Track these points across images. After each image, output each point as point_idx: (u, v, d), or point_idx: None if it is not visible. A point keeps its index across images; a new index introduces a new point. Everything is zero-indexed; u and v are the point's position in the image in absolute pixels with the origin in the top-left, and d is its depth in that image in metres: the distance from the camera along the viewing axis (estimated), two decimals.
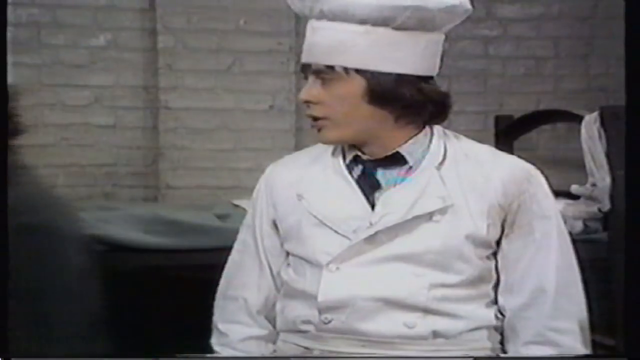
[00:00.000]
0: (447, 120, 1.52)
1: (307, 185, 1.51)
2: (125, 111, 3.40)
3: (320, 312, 1.45)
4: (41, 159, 3.31)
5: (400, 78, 1.43)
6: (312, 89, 1.45)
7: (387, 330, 1.43)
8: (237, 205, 2.82)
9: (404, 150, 1.47)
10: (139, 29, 3.38)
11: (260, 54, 3.39)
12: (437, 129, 1.51)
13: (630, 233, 1.43)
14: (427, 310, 1.43)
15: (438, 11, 1.42)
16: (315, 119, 1.46)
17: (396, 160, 1.48)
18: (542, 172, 1.53)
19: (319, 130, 1.47)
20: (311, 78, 1.45)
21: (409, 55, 1.43)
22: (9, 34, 3.30)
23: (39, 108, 3.30)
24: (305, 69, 1.47)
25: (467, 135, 1.56)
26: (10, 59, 3.43)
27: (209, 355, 1.58)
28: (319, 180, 1.51)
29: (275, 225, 1.56)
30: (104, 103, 3.38)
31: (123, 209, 2.71)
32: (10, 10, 3.30)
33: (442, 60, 1.49)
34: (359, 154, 1.49)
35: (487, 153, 1.52)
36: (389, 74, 1.42)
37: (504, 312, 1.49)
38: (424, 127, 1.49)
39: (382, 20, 1.41)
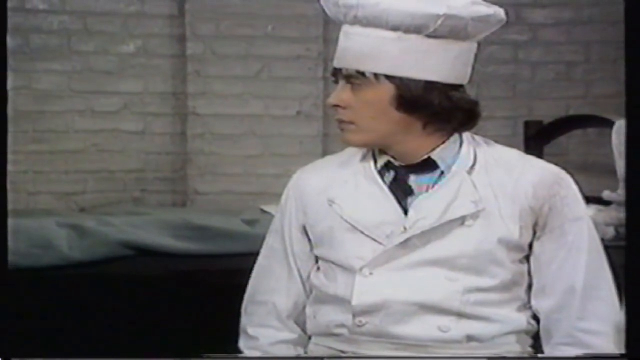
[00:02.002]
0: (476, 125, 1.52)
1: (337, 190, 1.52)
2: (154, 117, 3.43)
3: (354, 315, 1.46)
4: (71, 165, 3.35)
5: (430, 85, 1.43)
6: (341, 93, 1.46)
7: (421, 334, 1.44)
8: (265, 211, 2.83)
9: (435, 155, 1.48)
10: (168, 35, 3.41)
11: (288, 59, 3.40)
12: (466, 135, 1.52)
13: None
14: (461, 314, 1.44)
15: (471, 20, 1.43)
16: (341, 122, 1.48)
17: (427, 165, 1.49)
18: (573, 178, 1.52)
19: (342, 131, 1.48)
20: (341, 82, 1.47)
21: (439, 63, 1.44)
22: (39, 41, 3.38)
23: (69, 114, 3.34)
24: (337, 74, 1.48)
25: (496, 141, 1.56)
26: (41, 65, 3.51)
27: (237, 355, 1.59)
28: (350, 185, 1.51)
29: (305, 230, 1.57)
30: (133, 109, 3.41)
31: (152, 214, 2.74)
32: (41, 17, 3.36)
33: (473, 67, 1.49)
34: (391, 159, 1.50)
35: (517, 157, 1.53)
36: (419, 81, 1.43)
37: (538, 315, 1.50)
38: (452, 134, 1.49)
39: (414, 28, 1.42)
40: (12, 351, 1.32)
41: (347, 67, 1.45)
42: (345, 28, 1.47)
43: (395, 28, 1.42)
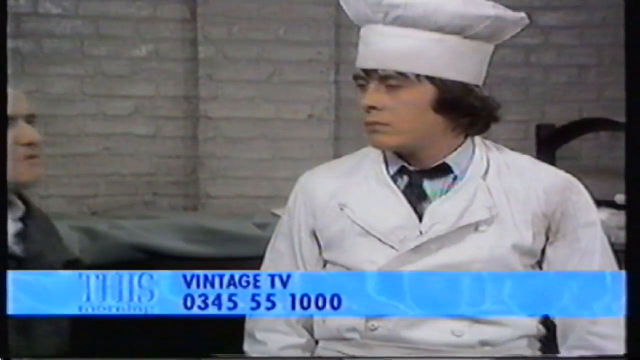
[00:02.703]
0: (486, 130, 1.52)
1: (349, 194, 1.51)
2: (165, 121, 3.43)
3: (367, 319, 1.46)
4: (83, 168, 3.36)
5: (466, 87, 1.44)
6: (375, 94, 1.44)
7: (435, 339, 1.44)
8: (276, 215, 2.82)
9: (450, 160, 1.48)
10: (180, 39, 3.41)
11: (299, 63, 3.40)
12: (477, 139, 1.52)
13: None
14: (474, 319, 1.44)
15: (512, 22, 1.45)
16: (375, 124, 1.45)
17: (442, 171, 1.49)
18: (585, 181, 1.53)
19: (375, 134, 1.46)
20: (373, 84, 1.45)
21: (473, 65, 1.45)
22: (52, 46, 3.40)
23: (81, 118, 3.35)
24: (366, 75, 1.45)
25: (508, 144, 1.56)
26: (53, 70, 3.52)
27: (244, 355, 1.59)
28: (362, 189, 1.51)
29: (314, 234, 1.56)
30: (145, 113, 3.42)
31: (163, 218, 2.74)
32: (54, 22, 3.38)
33: None
34: (405, 164, 1.49)
35: (528, 163, 1.53)
36: (458, 83, 1.43)
37: (553, 320, 1.50)
38: (466, 138, 1.49)
39: (458, 29, 1.42)
40: (12, 351, 1.33)
41: (385, 68, 1.43)
42: (379, 29, 1.44)
43: (439, 29, 1.42)
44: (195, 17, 3.38)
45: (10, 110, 1.46)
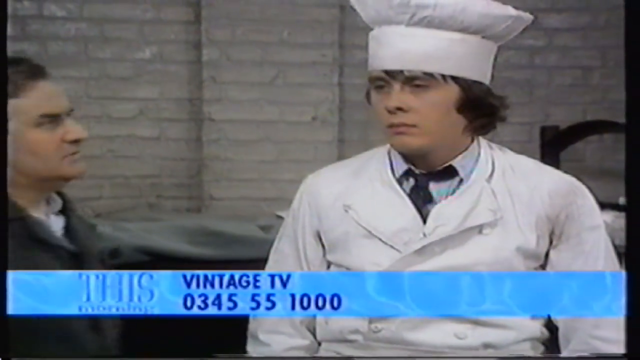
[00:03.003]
0: (492, 131, 1.53)
1: (353, 196, 1.51)
2: (169, 123, 3.44)
3: (370, 321, 1.46)
4: (87, 170, 3.36)
5: (485, 87, 1.46)
6: (402, 95, 1.43)
7: (438, 341, 1.44)
8: (280, 217, 2.82)
9: (456, 163, 1.48)
10: (184, 41, 3.42)
11: (303, 65, 3.40)
12: (483, 141, 1.52)
13: None
14: (478, 322, 1.44)
15: (525, 23, 1.47)
16: (401, 125, 1.44)
17: (448, 173, 1.49)
18: (589, 184, 1.52)
19: (400, 135, 1.44)
20: (397, 85, 1.44)
21: (487, 65, 1.47)
22: (57, 48, 3.41)
23: (86, 120, 3.34)
24: (389, 77, 1.44)
25: (512, 146, 1.56)
26: (58, 72, 3.51)
27: (246, 355, 1.59)
28: (367, 192, 1.51)
29: (318, 236, 1.56)
30: (149, 115, 3.43)
31: (167, 220, 2.74)
32: (59, 24, 3.39)
33: None
34: (412, 167, 1.49)
35: (533, 165, 1.53)
36: (478, 82, 1.45)
37: (556, 323, 1.50)
38: (473, 140, 1.49)
39: (481, 29, 1.43)
40: (12, 351, 1.33)
41: (411, 69, 1.42)
42: (401, 30, 1.43)
43: (463, 29, 1.42)
44: (200, 19, 3.38)
45: (55, 107, 1.48)
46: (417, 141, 1.44)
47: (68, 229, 1.52)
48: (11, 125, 1.43)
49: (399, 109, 1.43)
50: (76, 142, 1.51)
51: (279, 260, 1.60)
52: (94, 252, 1.55)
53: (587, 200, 1.50)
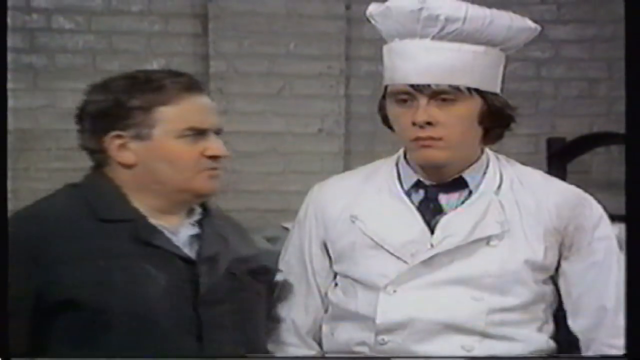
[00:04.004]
0: (499, 142, 1.53)
1: (361, 207, 1.51)
2: None
3: (377, 333, 1.45)
4: None
5: (503, 98, 1.47)
6: (430, 109, 1.43)
7: (444, 353, 1.44)
8: (286, 228, 2.81)
9: (466, 175, 1.49)
10: (192, 54, 3.43)
11: (310, 77, 3.41)
12: (491, 153, 1.52)
13: None
14: (485, 334, 1.44)
15: (535, 34, 1.48)
16: (428, 139, 1.44)
17: (457, 184, 1.49)
18: (596, 195, 1.52)
19: (426, 149, 1.44)
20: (424, 99, 1.43)
21: (501, 76, 1.48)
22: (65, 61, 3.41)
23: None
24: (415, 91, 1.43)
25: (519, 158, 1.56)
26: (66, 84, 3.54)
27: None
28: (374, 202, 1.51)
29: (324, 246, 1.56)
30: None
31: None
32: (67, 37, 3.41)
33: None
34: (421, 179, 1.49)
35: (540, 178, 1.54)
36: (497, 94, 1.46)
37: (576, 335, 1.50)
38: (482, 152, 1.50)
39: (502, 41, 1.45)
40: (12, 351, 1.33)
41: (439, 83, 1.42)
42: (426, 43, 1.43)
43: (487, 42, 1.44)
44: (207, 32, 3.40)
45: (202, 122, 1.49)
46: (442, 154, 1.45)
47: (197, 237, 1.50)
48: (155, 132, 1.45)
49: (428, 123, 1.43)
50: (216, 158, 1.51)
51: (285, 271, 1.60)
52: (226, 260, 1.49)
53: (595, 210, 1.50)
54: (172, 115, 1.46)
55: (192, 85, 1.50)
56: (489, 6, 1.46)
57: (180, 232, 1.49)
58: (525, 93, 3.55)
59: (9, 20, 1.43)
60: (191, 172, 1.48)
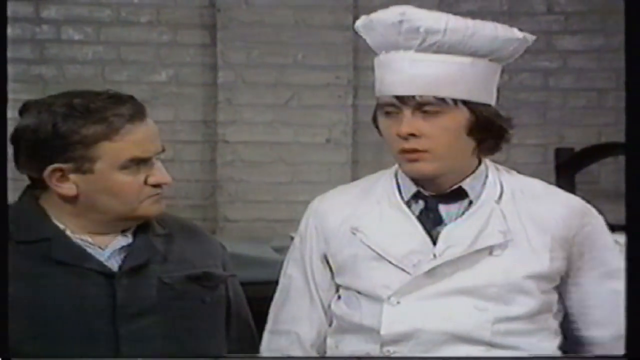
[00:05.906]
0: (506, 153, 1.52)
1: (361, 219, 1.51)
2: (184, 145, 3.46)
3: (382, 345, 1.45)
4: None
5: (494, 109, 1.46)
6: (414, 121, 1.43)
7: None
8: (294, 238, 2.82)
9: (466, 185, 1.48)
10: (200, 64, 3.45)
11: (317, 87, 3.42)
12: (489, 163, 1.52)
13: None
14: (491, 344, 1.43)
15: (528, 44, 1.47)
16: (414, 152, 1.44)
17: (457, 195, 1.49)
18: (605, 206, 1.53)
19: (413, 162, 1.44)
20: (408, 111, 1.43)
21: (493, 86, 1.47)
22: (74, 71, 3.43)
23: None
24: (400, 102, 1.43)
25: (527, 168, 1.56)
26: None
27: (250, 355, 1.58)
28: (374, 214, 1.50)
29: (325, 259, 1.55)
30: (164, 137, 3.41)
31: None
32: (76, 48, 3.43)
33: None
34: (421, 190, 1.49)
35: (542, 187, 1.53)
36: (487, 105, 1.45)
37: (596, 346, 1.49)
38: (480, 162, 1.49)
39: (488, 52, 1.44)
40: (12, 351, 1.33)
41: (423, 94, 1.42)
42: (411, 55, 1.43)
43: (472, 53, 1.43)
44: (215, 42, 3.41)
45: (145, 152, 1.47)
46: (430, 167, 1.44)
47: (128, 247, 1.48)
48: (97, 166, 1.42)
49: (411, 134, 1.43)
50: (159, 186, 1.49)
51: (288, 284, 1.59)
52: (157, 269, 1.48)
53: (599, 219, 1.51)
54: (116, 149, 1.43)
55: (135, 114, 1.46)
56: (496, 16, 1.47)
57: (109, 245, 1.47)
58: (533, 103, 3.54)
59: (19, 31, 1.44)
60: (135, 202, 1.46)
